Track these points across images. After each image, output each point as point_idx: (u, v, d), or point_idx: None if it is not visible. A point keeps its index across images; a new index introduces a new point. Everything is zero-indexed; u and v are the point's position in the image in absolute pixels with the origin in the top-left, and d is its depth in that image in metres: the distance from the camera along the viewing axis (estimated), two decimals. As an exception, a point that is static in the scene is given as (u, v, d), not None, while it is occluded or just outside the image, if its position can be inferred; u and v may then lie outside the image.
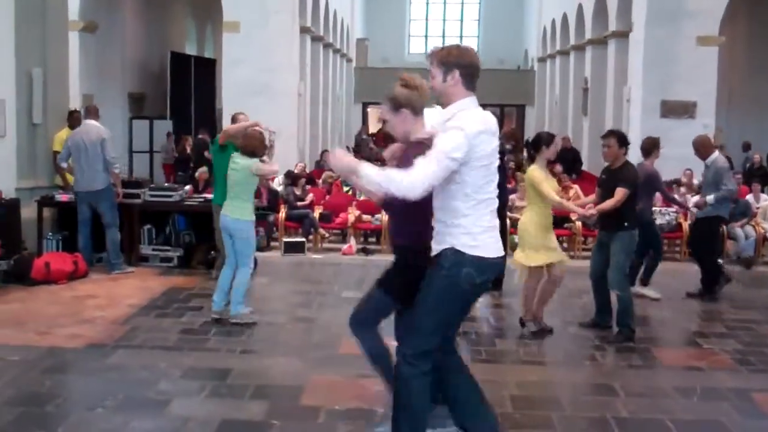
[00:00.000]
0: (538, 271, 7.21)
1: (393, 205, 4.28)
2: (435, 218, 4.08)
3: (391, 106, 4.29)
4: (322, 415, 5.08)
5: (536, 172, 7.10)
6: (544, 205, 7.17)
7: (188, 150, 19.01)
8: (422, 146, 4.04)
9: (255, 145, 7.38)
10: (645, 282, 9.02)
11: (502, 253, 4.07)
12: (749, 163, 18.30)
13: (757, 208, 12.86)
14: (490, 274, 4.05)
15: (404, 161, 4.16)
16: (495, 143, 4.00)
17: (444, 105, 4.10)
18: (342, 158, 3.96)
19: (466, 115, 3.93)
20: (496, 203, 4.05)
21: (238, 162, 7.32)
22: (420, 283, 4.08)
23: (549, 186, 7.09)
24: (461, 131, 3.83)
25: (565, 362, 6.54)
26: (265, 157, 7.73)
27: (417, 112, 4.26)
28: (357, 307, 4.66)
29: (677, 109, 15.88)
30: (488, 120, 4.01)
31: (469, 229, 3.94)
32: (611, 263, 7.17)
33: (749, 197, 13.28)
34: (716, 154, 9.06)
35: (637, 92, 16.45)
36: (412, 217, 4.25)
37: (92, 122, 9.79)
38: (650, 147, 8.87)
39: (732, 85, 21.89)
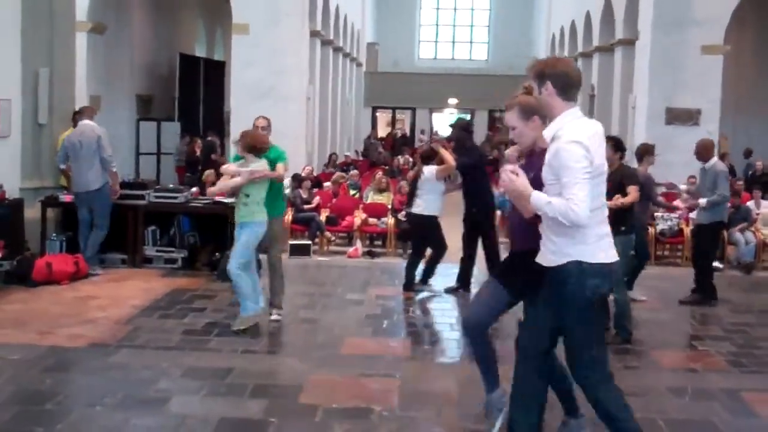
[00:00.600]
0: None
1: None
2: (548, 230, 4.05)
3: (522, 114, 4.34)
4: (320, 414, 5.17)
5: None
6: None
7: (198, 152, 19.11)
8: (544, 154, 4.07)
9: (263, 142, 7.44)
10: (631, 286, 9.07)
11: (616, 258, 4.08)
12: (752, 170, 18.33)
13: (757, 214, 12.91)
14: (611, 281, 4.08)
15: (530, 167, 4.24)
16: (603, 151, 4.03)
17: (546, 117, 4.16)
18: (516, 181, 3.96)
19: (575, 126, 3.94)
20: (606, 210, 4.09)
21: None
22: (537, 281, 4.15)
23: None
24: (578, 144, 3.85)
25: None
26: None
27: (545, 120, 4.24)
28: (470, 310, 4.78)
29: (682, 117, 15.91)
30: (597, 129, 4.05)
31: (586, 240, 3.94)
32: None
33: (750, 203, 13.33)
34: (715, 159, 9.15)
35: (643, 99, 16.49)
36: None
37: (87, 122, 9.87)
38: (643, 153, 9.08)
39: (738, 93, 21.89)
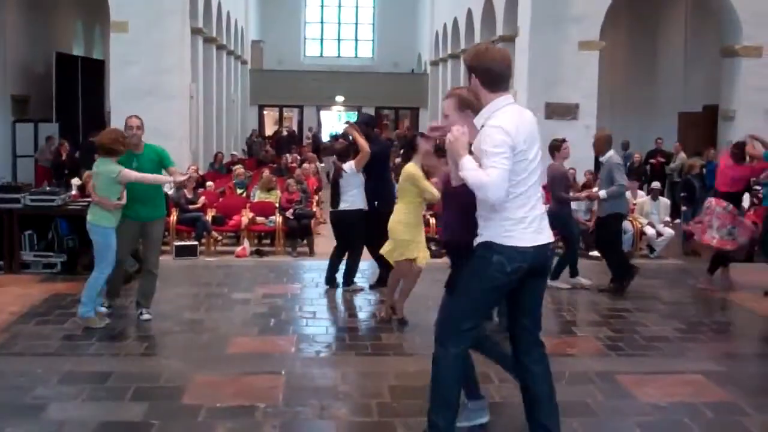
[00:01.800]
0: (406, 265, 7.54)
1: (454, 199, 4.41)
2: (478, 214, 4.24)
3: (458, 105, 4.36)
4: (203, 414, 5.11)
5: (414, 169, 7.36)
6: (417, 202, 7.45)
7: (64, 156, 18.44)
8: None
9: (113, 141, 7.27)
10: (556, 276, 9.33)
11: (538, 242, 4.16)
12: (629, 161, 19.05)
13: (634, 204, 13.43)
14: (521, 262, 4.13)
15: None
16: (532, 139, 4.12)
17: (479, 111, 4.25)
18: (460, 139, 4.05)
19: (503, 113, 4.08)
20: (535, 196, 4.18)
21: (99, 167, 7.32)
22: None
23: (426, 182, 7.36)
24: (499, 128, 3.98)
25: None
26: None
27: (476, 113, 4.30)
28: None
29: (561, 111, 16.43)
30: (526, 116, 4.16)
31: (501, 222, 4.10)
32: None
33: (627, 194, 13.85)
34: (611, 152, 9.48)
35: (523, 95, 16.93)
36: (467, 212, 4.37)
37: None
38: (553, 148, 9.43)
39: (614, 88, 22.76)
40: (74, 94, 21.84)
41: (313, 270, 9.84)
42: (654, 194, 13.56)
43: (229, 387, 5.66)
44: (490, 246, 4.14)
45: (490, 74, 4.14)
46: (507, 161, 3.95)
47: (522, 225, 4.13)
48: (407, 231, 7.48)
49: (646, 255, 12.79)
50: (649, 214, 13.18)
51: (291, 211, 13.18)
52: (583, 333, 7.43)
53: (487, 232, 4.16)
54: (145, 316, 7.57)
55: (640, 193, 14.45)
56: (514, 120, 4.05)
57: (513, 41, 18.58)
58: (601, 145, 9.45)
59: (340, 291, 9.05)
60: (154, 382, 5.77)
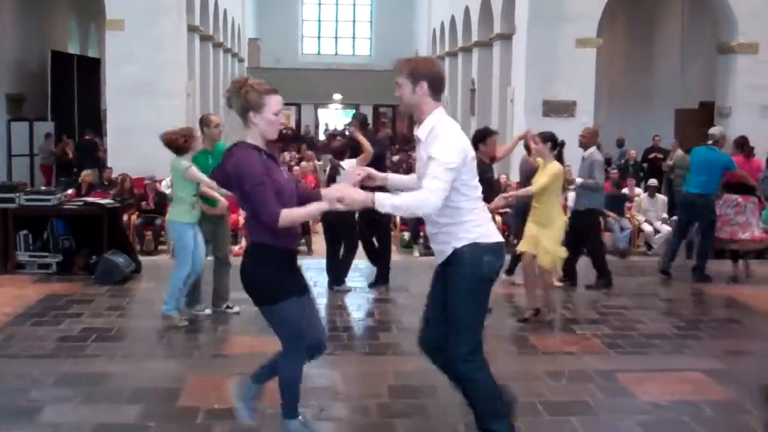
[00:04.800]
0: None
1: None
2: (436, 223, 4.19)
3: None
4: (200, 416, 5.07)
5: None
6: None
7: (70, 154, 18.46)
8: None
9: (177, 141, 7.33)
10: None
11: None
12: (624, 159, 19.06)
13: (631, 201, 13.43)
14: (503, 257, 4.30)
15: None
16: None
17: (414, 115, 4.24)
18: (356, 198, 3.98)
19: (447, 124, 4.11)
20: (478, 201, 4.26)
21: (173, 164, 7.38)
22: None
23: None
24: (456, 142, 4.03)
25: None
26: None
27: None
28: None
29: (558, 108, 16.38)
30: (458, 127, 4.19)
31: (477, 222, 4.16)
32: None
33: (624, 191, 13.85)
34: (594, 148, 9.46)
35: (520, 92, 16.90)
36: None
37: None
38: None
39: (611, 85, 22.75)
40: (70, 92, 21.79)
41: (312, 269, 9.76)
42: (651, 191, 13.55)
43: (227, 388, 5.61)
44: (476, 247, 4.13)
45: (440, 82, 4.17)
46: (450, 179, 3.98)
47: (491, 223, 4.28)
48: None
49: (643, 252, 12.77)
50: (647, 212, 13.17)
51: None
52: (581, 331, 7.39)
53: (466, 235, 4.14)
54: (235, 309, 7.72)
55: (638, 190, 14.43)
56: (460, 133, 4.12)
57: (510, 39, 18.56)
58: (591, 139, 9.42)
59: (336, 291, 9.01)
60: (151, 383, 5.73)
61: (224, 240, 8.00)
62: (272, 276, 4.17)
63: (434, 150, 4.00)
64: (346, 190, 4.04)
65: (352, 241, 9.12)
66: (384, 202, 3.97)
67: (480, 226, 4.17)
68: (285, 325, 4.25)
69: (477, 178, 4.22)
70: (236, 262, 7.27)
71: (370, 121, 35.80)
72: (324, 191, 4.22)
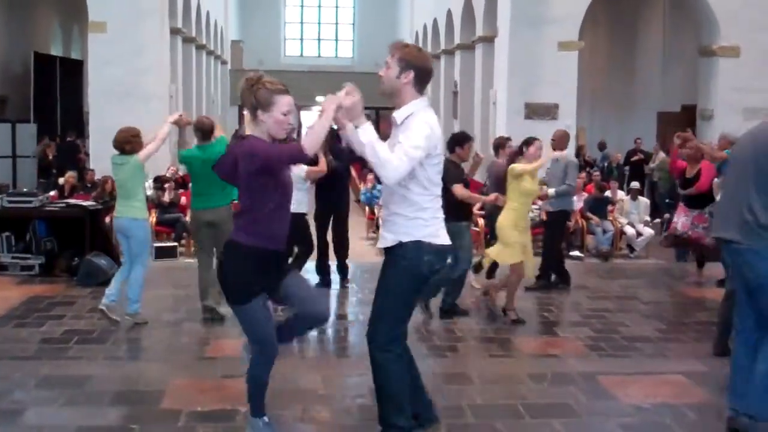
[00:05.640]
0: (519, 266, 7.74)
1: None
2: (389, 210, 4.25)
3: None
4: (183, 418, 5.06)
5: (520, 167, 7.76)
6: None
7: (50, 156, 18.34)
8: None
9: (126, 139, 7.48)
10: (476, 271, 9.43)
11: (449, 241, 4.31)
12: (606, 161, 19.15)
13: (613, 204, 13.50)
14: (444, 261, 4.32)
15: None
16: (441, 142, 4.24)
17: (391, 99, 4.26)
18: (358, 104, 4.04)
19: (426, 115, 4.14)
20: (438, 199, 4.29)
21: (124, 159, 7.45)
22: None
23: None
24: (428, 128, 4.06)
25: (428, 354, 6.68)
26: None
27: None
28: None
29: (540, 111, 16.45)
30: (436, 121, 4.22)
31: (428, 221, 4.19)
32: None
33: (607, 193, 13.92)
34: (567, 151, 9.54)
35: (503, 95, 16.95)
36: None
37: None
38: (497, 146, 9.56)
39: (593, 88, 22.86)
40: (52, 94, 21.69)
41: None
42: (633, 194, 13.62)
43: (210, 391, 5.61)
44: (419, 246, 4.17)
45: (425, 74, 4.22)
46: (417, 158, 4.02)
47: (442, 225, 4.30)
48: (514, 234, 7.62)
49: (626, 255, 12.84)
50: (629, 214, 13.24)
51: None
52: (564, 333, 7.43)
53: (414, 231, 4.17)
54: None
55: (621, 193, 14.51)
56: (436, 124, 4.16)
57: (493, 41, 18.61)
58: (563, 142, 9.48)
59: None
60: (133, 386, 5.72)
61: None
62: (242, 275, 4.23)
63: (407, 133, 4.06)
64: (357, 97, 4.07)
65: (305, 244, 8.94)
66: (368, 131, 4.01)
67: (429, 226, 4.19)
68: (250, 325, 4.33)
69: (440, 176, 4.26)
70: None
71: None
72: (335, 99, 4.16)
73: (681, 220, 9.49)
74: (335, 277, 9.42)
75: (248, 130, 4.37)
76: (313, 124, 4.16)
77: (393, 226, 4.24)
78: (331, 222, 9.34)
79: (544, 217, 12.40)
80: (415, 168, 4.07)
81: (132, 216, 7.41)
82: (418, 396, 4.52)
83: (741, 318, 4.91)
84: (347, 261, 9.54)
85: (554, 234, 9.59)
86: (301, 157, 4.13)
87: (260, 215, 4.23)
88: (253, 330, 4.35)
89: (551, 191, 9.22)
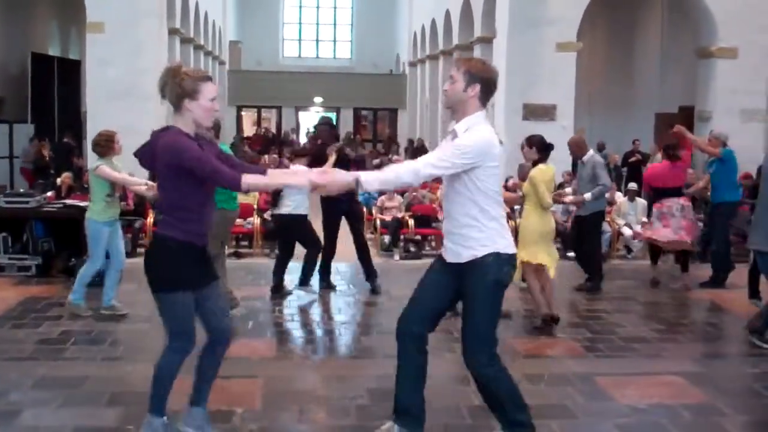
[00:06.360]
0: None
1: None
2: (458, 223, 4.27)
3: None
4: (179, 419, 5.04)
5: (536, 172, 7.67)
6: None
7: (46, 156, 18.32)
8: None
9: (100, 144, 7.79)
10: None
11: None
12: (605, 162, 19.14)
13: (611, 206, 13.47)
14: (516, 268, 4.46)
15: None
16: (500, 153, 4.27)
17: (455, 111, 4.30)
18: (335, 179, 4.12)
19: (482, 128, 4.20)
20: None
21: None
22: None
23: None
24: (480, 135, 4.14)
25: (426, 356, 6.70)
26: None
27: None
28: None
29: (538, 112, 16.45)
30: (494, 133, 4.26)
31: (501, 231, 4.27)
32: None
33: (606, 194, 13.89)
34: (591, 152, 9.54)
35: (501, 96, 16.91)
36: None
37: None
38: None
39: (591, 89, 22.87)
40: (50, 94, 21.67)
41: (292, 272, 9.77)
42: (631, 195, 13.62)
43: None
44: (499, 257, 4.23)
45: (490, 90, 4.28)
46: (454, 162, 4.09)
47: (510, 234, 4.37)
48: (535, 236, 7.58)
49: (623, 256, 12.84)
50: (626, 215, 13.23)
51: (269, 212, 13.10)
52: (561, 334, 7.42)
53: (490, 243, 4.22)
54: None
55: (618, 194, 14.50)
56: (493, 136, 4.20)
57: (491, 43, 18.62)
58: (581, 147, 9.49)
59: (319, 294, 9.01)
60: (130, 386, 5.70)
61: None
62: (168, 265, 4.26)
63: (455, 141, 4.16)
64: (330, 174, 4.17)
65: (312, 243, 8.94)
66: (369, 180, 4.09)
67: (503, 238, 4.27)
68: (170, 315, 4.35)
69: (500, 187, 4.34)
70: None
71: (352, 123, 35.89)
72: (309, 174, 4.25)
73: (661, 229, 9.58)
74: (338, 279, 9.42)
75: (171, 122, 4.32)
76: (273, 175, 4.32)
77: (463, 239, 4.27)
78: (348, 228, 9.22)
79: (558, 219, 12.47)
80: (478, 179, 4.14)
81: (87, 215, 7.80)
82: (419, 393, 4.52)
83: None
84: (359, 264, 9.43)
85: (593, 236, 9.63)
86: (232, 187, 4.17)
87: (191, 213, 4.21)
88: (173, 322, 4.36)
89: (587, 196, 9.08)
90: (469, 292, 4.29)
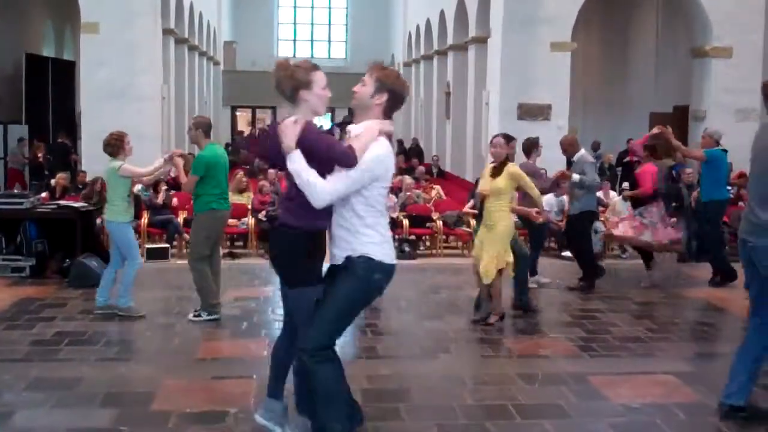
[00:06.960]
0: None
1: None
2: (338, 224, 4.23)
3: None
4: (173, 420, 5.05)
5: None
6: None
7: (40, 158, 18.29)
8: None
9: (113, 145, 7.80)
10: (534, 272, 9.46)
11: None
12: (600, 162, 19.16)
13: (606, 205, 13.50)
14: (389, 281, 4.31)
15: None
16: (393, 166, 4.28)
17: (358, 114, 4.29)
18: (293, 132, 4.06)
19: (382, 143, 4.15)
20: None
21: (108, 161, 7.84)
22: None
23: None
24: (380, 151, 4.10)
25: (420, 355, 6.71)
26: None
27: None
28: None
29: (533, 112, 16.43)
30: (389, 145, 4.25)
31: (375, 239, 4.19)
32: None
33: (599, 194, 13.90)
34: (583, 151, 9.63)
35: (495, 96, 16.94)
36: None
37: None
38: (530, 147, 9.55)
39: (586, 88, 22.89)
40: (44, 95, 21.61)
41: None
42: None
43: (200, 392, 5.61)
44: (370, 263, 4.17)
45: (397, 103, 4.26)
46: (357, 183, 4.06)
47: (389, 243, 4.30)
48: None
49: (617, 255, 12.86)
50: (621, 215, 13.21)
51: (264, 213, 13.11)
52: (555, 334, 7.43)
53: (363, 248, 4.17)
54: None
55: (613, 193, 14.52)
56: (390, 152, 4.20)
57: (485, 42, 18.60)
58: (573, 146, 9.55)
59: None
60: (124, 387, 5.71)
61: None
62: (304, 258, 4.27)
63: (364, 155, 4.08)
64: (290, 127, 4.10)
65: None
66: (296, 159, 4.05)
67: (378, 244, 4.19)
68: (303, 309, 4.29)
69: (385, 195, 4.28)
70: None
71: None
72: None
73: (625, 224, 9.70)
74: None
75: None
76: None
77: (343, 242, 4.22)
78: None
79: (552, 219, 12.49)
80: (365, 188, 4.10)
81: (108, 217, 7.86)
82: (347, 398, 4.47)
83: None
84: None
85: (582, 236, 9.66)
86: (349, 165, 4.08)
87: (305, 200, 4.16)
88: (306, 314, 4.30)
89: (575, 176, 9.21)
90: (334, 284, 4.23)
